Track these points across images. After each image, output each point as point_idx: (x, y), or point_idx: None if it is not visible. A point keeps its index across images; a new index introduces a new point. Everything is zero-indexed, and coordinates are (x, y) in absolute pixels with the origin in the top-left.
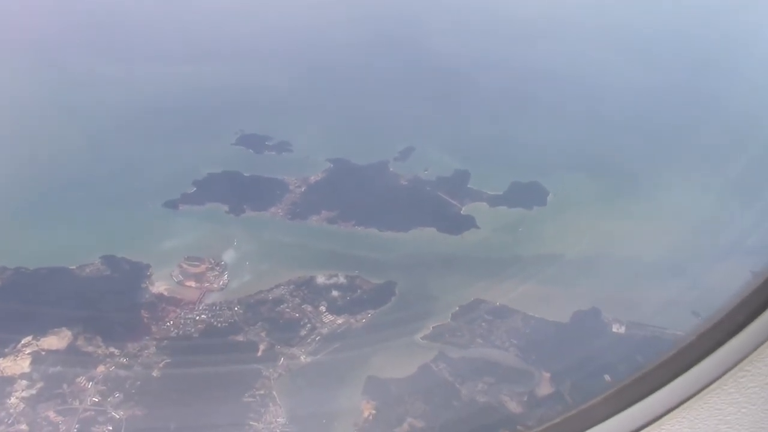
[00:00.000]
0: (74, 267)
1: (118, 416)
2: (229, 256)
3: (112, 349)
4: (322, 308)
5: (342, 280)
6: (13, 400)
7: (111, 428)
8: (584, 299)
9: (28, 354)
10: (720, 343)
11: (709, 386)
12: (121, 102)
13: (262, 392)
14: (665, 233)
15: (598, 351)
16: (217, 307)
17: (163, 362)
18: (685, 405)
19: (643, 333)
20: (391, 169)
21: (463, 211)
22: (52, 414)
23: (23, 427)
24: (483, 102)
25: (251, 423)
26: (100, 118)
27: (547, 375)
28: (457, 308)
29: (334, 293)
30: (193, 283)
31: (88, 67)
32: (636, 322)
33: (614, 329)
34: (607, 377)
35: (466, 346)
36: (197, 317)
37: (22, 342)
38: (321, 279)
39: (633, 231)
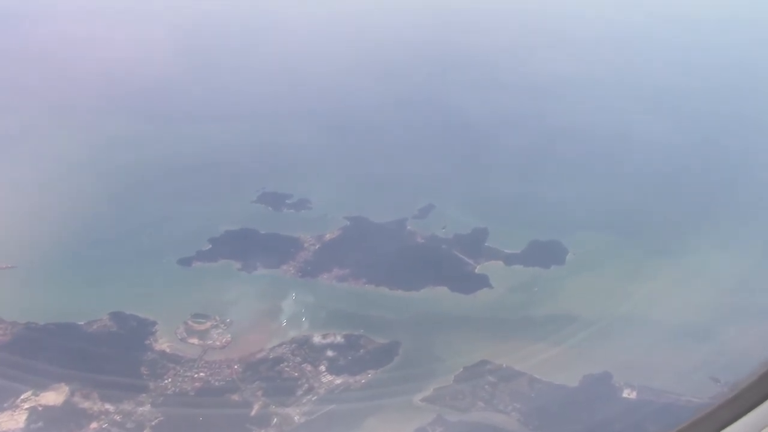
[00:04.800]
0: (82, 323)
1: None
2: (235, 314)
3: (107, 406)
4: (322, 368)
5: (345, 339)
6: None
7: None
8: (597, 363)
9: (26, 409)
10: (738, 416)
11: None
12: (146, 161)
13: None
14: (689, 296)
15: (605, 417)
16: (217, 365)
17: (156, 420)
18: None
19: (656, 399)
20: (408, 227)
21: (478, 270)
22: None
23: None
24: (506, 159)
25: None
26: (125, 177)
27: None
28: (461, 369)
29: (336, 353)
30: (196, 341)
31: (114, 126)
32: (649, 388)
33: (624, 394)
34: None
35: (467, 410)
36: (195, 375)
37: (22, 397)
38: (324, 338)
39: (655, 293)
